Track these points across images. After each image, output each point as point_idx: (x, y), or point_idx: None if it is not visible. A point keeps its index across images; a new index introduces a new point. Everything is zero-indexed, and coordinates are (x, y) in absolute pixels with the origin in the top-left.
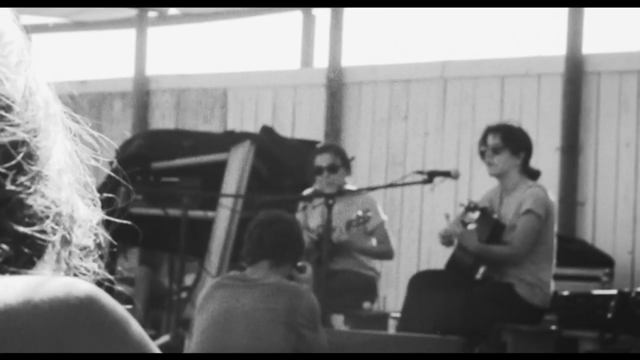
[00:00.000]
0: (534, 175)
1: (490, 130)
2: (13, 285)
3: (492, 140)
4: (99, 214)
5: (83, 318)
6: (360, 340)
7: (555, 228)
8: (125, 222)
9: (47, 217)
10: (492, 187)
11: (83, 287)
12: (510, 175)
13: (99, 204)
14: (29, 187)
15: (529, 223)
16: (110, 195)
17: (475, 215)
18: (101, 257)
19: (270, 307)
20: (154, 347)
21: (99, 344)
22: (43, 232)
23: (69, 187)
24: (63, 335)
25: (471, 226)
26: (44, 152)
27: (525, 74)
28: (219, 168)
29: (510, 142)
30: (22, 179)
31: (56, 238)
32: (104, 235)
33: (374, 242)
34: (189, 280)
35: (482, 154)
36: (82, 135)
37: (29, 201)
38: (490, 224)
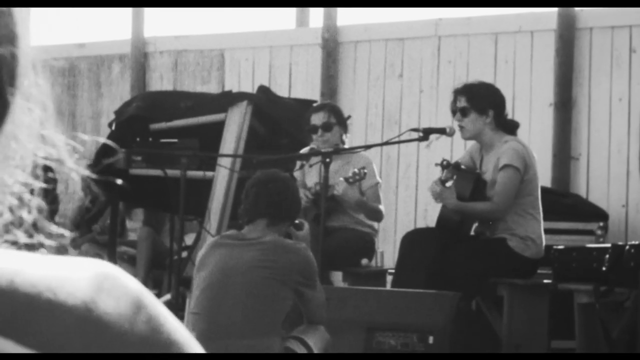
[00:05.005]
0: (511, 127)
1: (456, 92)
2: (42, 263)
3: (458, 103)
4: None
5: (110, 287)
6: (358, 296)
7: (539, 180)
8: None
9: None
10: (472, 144)
11: (106, 264)
12: (484, 135)
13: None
14: None
15: (507, 178)
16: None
17: (450, 171)
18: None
19: (267, 265)
20: (171, 322)
21: (122, 311)
22: None
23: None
24: (92, 301)
25: (449, 184)
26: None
27: (518, 30)
28: (217, 128)
29: (475, 103)
30: None
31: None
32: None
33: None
34: (189, 239)
35: (454, 114)
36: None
37: None
38: (472, 179)
